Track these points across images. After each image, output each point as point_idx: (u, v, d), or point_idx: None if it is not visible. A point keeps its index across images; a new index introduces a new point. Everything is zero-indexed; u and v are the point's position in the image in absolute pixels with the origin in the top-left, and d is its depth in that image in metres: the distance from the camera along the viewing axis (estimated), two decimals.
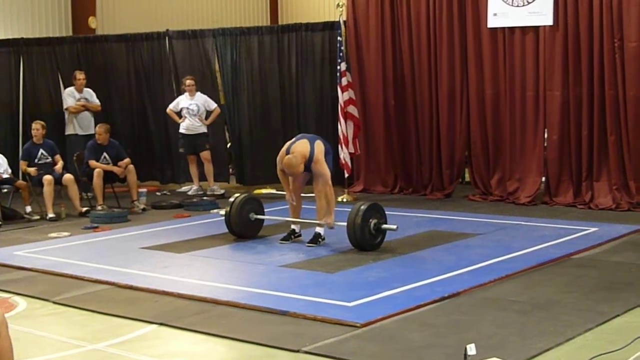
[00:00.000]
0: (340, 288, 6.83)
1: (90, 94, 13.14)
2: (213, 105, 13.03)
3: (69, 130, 13.05)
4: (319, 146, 8.51)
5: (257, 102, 13.65)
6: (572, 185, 11.00)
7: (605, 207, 10.54)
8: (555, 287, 6.73)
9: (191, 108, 12.82)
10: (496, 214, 10.45)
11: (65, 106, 13.03)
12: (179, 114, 12.94)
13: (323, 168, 8.42)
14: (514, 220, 9.89)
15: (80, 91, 13.02)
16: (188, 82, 12.88)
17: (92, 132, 12.83)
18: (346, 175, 11.98)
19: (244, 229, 9.11)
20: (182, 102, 12.91)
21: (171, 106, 13.02)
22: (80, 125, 12.98)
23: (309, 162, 8.41)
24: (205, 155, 12.92)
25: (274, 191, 12.58)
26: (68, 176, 11.30)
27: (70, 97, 12.98)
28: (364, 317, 5.88)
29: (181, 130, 12.95)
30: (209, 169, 12.98)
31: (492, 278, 6.99)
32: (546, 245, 8.36)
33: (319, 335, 5.58)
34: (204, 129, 12.97)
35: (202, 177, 13.13)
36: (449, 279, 7.00)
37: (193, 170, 13.08)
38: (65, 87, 13.48)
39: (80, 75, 13.04)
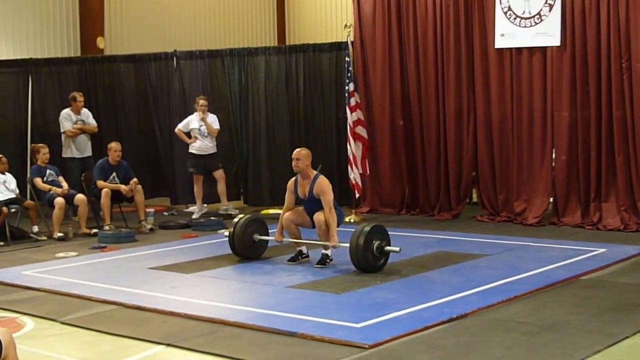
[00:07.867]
0: (348, 309, 6.82)
1: (86, 114, 12.97)
2: (217, 125, 12.92)
3: (66, 154, 12.84)
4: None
5: (264, 122, 13.61)
6: (580, 206, 10.97)
7: (613, 227, 10.50)
8: (563, 309, 6.70)
9: (202, 129, 12.74)
10: (504, 234, 10.43)
11: (62, 129, 12.83)
12: (187, 134, 12.94)
13: (329, 193, 8.57)
14: (522, 241, 9.87)
15: (77, 113, 12.85)
16: (202, 101, 12.74)
17: (89, 154, 12.88)
18: (357, 195, 12.01)
19: (247, 250, 9.10)
20: (193, 122, 12.80)
21: (180, 126, 12.93)
22: (78, 148, 12.82)
23: (312, 186, 8.60)
24: (219, 174, 12.86)
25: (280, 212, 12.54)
26: (80, 196, 11.37)
27: (67, 120, 12.77)
28: (372, 339, 5.86)
29: (192, 151, 12.87)
30: (222, 188, 12.89)
31: (500, 299, 6.97)
32: (554, 266, 8.34)
33: (327, 357, 5.56)
34: (215, 149, 12.91)
35: (208, 198, 13.08)
36: (456, 300, 6.98)
37: (198, 190, 12.90)
38: None
39: (80, 98, 12.86)
